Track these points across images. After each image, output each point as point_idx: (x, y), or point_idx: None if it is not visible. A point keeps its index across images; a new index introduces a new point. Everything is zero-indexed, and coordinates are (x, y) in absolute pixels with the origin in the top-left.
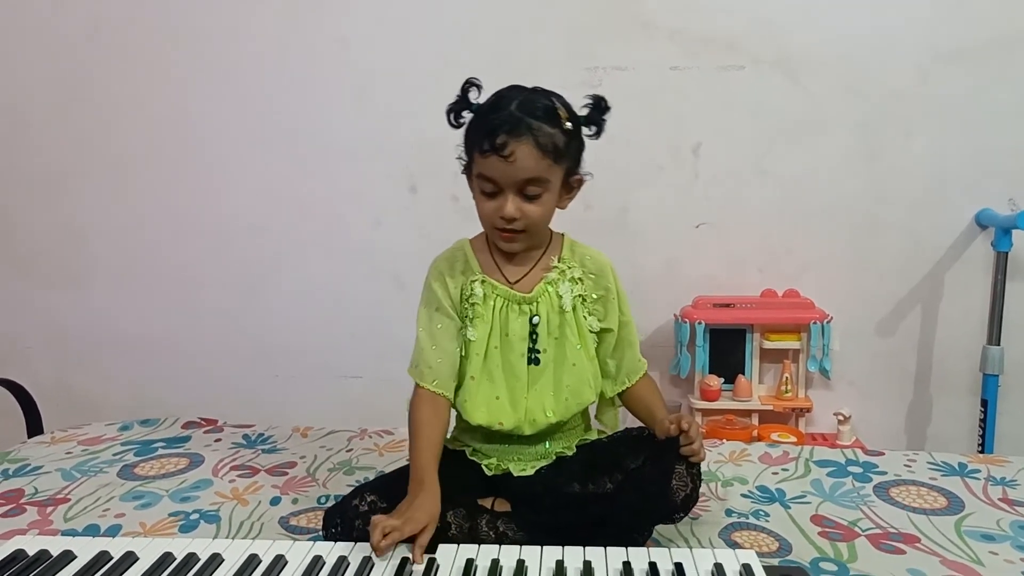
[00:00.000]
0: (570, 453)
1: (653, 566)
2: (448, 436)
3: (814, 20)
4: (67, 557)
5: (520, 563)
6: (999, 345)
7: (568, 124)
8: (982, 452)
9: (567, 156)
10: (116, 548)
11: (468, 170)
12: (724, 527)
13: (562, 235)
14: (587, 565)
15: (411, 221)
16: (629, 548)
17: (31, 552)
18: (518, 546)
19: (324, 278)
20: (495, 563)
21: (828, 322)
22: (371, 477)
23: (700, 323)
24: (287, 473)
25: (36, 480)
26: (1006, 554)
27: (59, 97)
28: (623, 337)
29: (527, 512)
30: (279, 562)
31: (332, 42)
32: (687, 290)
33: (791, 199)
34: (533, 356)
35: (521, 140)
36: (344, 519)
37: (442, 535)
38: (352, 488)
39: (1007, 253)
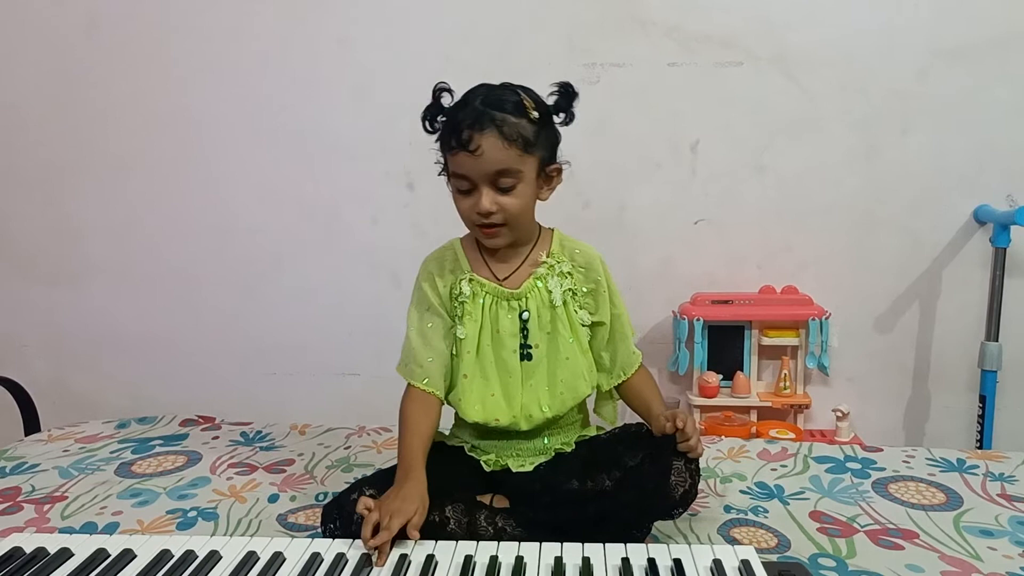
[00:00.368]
0: (569, 449)
1: (652, 562)
2: (447, 433)
3: (812, 17)
4: (64, 555)
5: (519, 559)
6: (997, 341)
7: (535, 113)
8: (980, 448)
9: (538, 146)
10: (113, 546)
11: (445, 171)
12: (723, 523)
13: (552, 230)
14: (586, 561)
15: (409, 219)
16: (628, 544)
17: (28, 550)
18: (516, 542)
19: (322, 276)
20: (493, 559)
21: (826, 318)
22: (369, 474)
23: (698, 320)
24: (285, 471)
25: (33, 478)
26: (1005, 549)
27: (57, 95)
28: (616, 330)
29: (526, 509)
30: (277, 559)
31: (331, 40)
32: (685, 287)
33: (789, 196)
34: (525, 352)
35: (485, 133)
36: (343, 514)
37: (440, 530)
38: (350, 484)
39: (1005, 249)
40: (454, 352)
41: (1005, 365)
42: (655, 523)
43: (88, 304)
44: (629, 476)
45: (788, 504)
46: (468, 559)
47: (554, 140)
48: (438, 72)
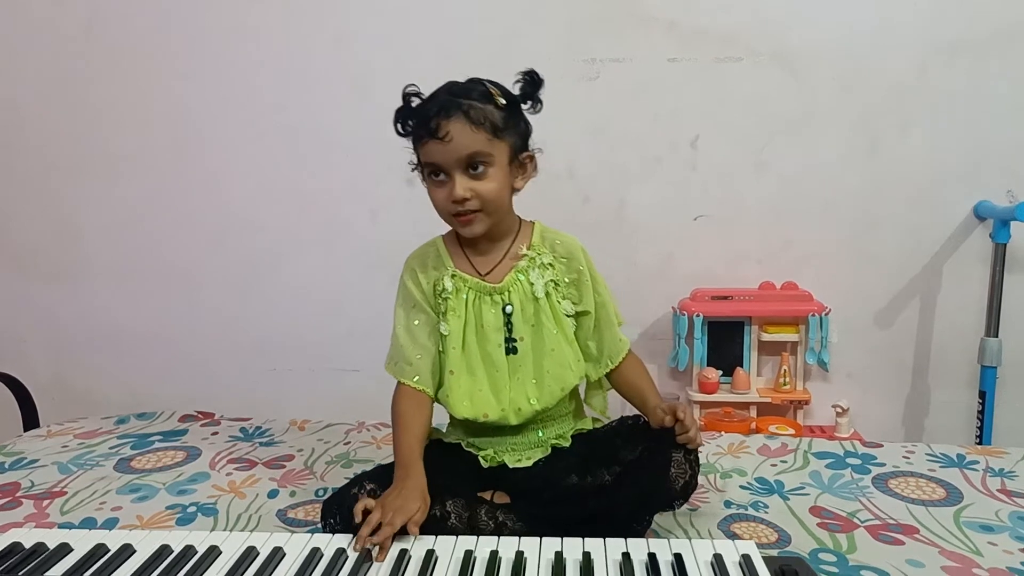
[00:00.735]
0: (566, 444)
1: (652, 557)
2: (444, 431)
3: (812, 13)
4: (64, 550)
5: (519, 554)
6: (997, 337)
7: (501, 100)
8: (980, 444)
9: (507, 131)
10: (113, 541)
11: (419, 167)
12: (723, 518)
13: (532, 223)
14: (586, 556)
15: (408, 214)
16: (628, 539)
17: (27, 545)
18: (517, 537)
19: (321, 272)
20: (494, 554)
21: (826, 314)
22: (368, 470)
23: (698, 316)
24: (284, 466)
25: (32, 473)
26: (1005, 544)
27: (56, 93)
28: (601, 318)
29: (526, 505)
30: (277, 554)
31: (329, 36)
32: (685, 283)
33: (789, 192)
34: (510, 345)
35: (452, 118)
36: (342, 510)
37: (441, 525)
38: (349, 479)
39: (1005, 245)
40: (440, 348)
41: (1005, 361)
42: (655, 517)
43: (87, 300)
44: (629, 470)
45: (788, 499)
46: (468, 554)
47: (525, 128)
48: (437, 68)
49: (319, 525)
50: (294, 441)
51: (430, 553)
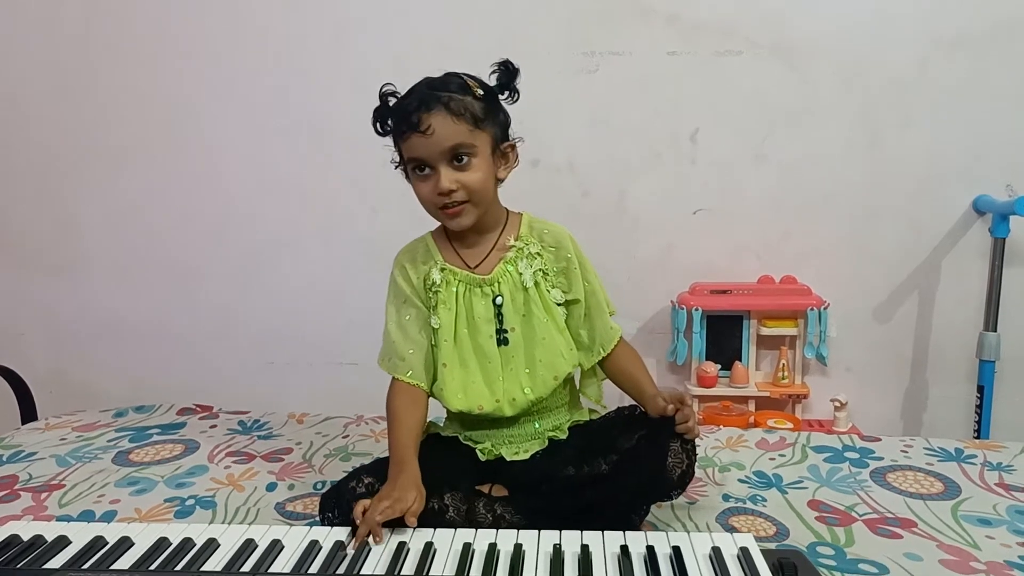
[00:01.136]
0: (563, 436)
1: (651, 550)
2: (441, 424)
3: (812, 6)
4: (62, 542)
5: (517, 547)
6: (996, 331)
7: (479, 91)
8: (978, 438)
9: (487, 122)
10: (111, 533)
11: (401, 164)
12: (721, 512)
13: (520, 214)
14: (584, 549)
15: (407, 208)
16: (627, 532)
17: (26, 537)
18: (515, 530)
19: (320, 265)
20: (492, 547)
21: (825, 308)
22: (367, 463)
23: (697, 309)
24: (283, 459)
25: (30, 466)
26: (1002, 538)
27: (55, 86)
28: (591, 306)
29: (524, 498)
30: (275, 546)
31: (329, 29)
32: (684, 276)
33: (789, 185)
34: (502, 336)
35: (433, 111)
36: (341, 502)
37: (439, 518)
38: (348, 472)
39: (1004, 239)
40: (432, 342)
41: (1003, 355)
42: (654, 510)
43: (86, 294)
44: (626, 458)
45: (786, 493)
46: (467, 546)
47: (504, 118)
48: (437, 61)
49: (317, 518)
50: (292, 434)
51: (428, 546)
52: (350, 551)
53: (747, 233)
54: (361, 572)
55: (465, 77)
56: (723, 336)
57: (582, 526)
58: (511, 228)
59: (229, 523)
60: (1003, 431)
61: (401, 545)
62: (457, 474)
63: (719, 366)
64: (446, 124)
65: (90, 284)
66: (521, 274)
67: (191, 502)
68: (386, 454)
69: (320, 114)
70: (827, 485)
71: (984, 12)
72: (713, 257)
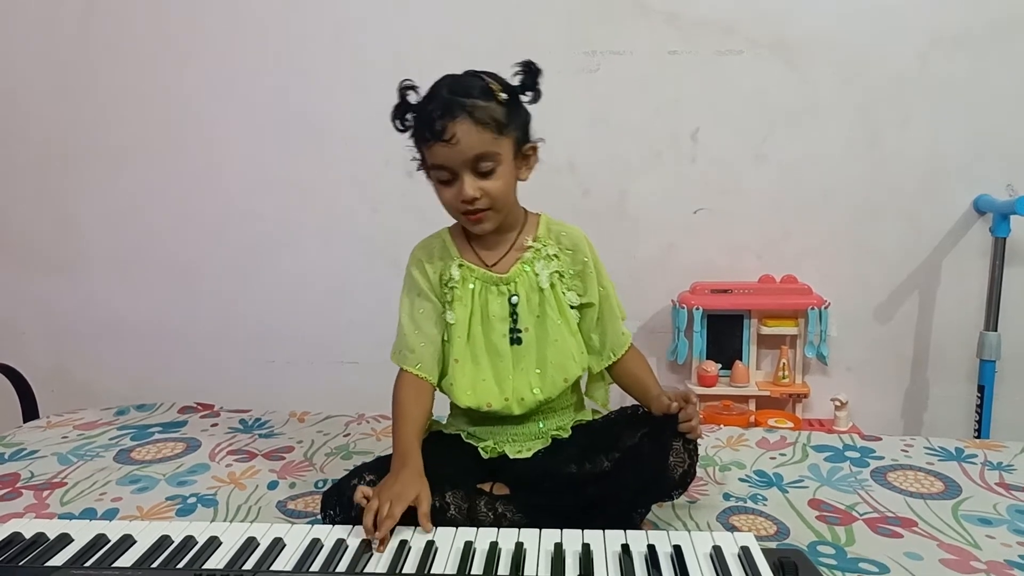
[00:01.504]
0: (565, 435)
1: (652, 549)
2: (444, 422)
3: (812, 5)
4: (64, 540)
5: (519, 546)
6: (996, 331)
7: (503, 95)
8: (979, 437)
9: (511, 127)
10: (113, 531)
11: (423, 166)
12: (722, 511)
13: (538, 215)
14: (585, 548)
15: (409, 206)
16: (628, 531)
17: (28, 535)
18: (516, 529)
19: (321, 263)
20: (493, 546)
21: (826, 308)
22: (368, 461)
23: (698, 309)
24: (284, 458)
25: (32, 464)
26: (1003, 538)
27: (54, 84)
28: (604, 310)
29: (525, 496)
30: (277, 544)
31: (329, 27)
32: (685, 276)
33: (789, 184)
34: (515, 336)
35: (458, 120)
36: (342, 501)
37: (440, 516)
38: (349, 471)
39: (1005, 239)
40: (445, 338)
41: (1004, 355)
42: (655, 509)
43: (87, 292)
44: (628, 456)
45: (787, 492)
46: (468, 545)
47: (525, 119)
48: (437, 60)
49: (319, 516)
50: (294, 433)
51: (430, 544)
52: (351, 543)
53: (748, 232)
54: (363, 571)
55: (487, 79)
56: (724, 335)
57: (583, 524)
58: (529, 229)
59: (230, 521)
60: (1003, 431)
61: (402, 543)
62: (459, 472)
63: (720, 365)
64: (470, 133)
65: (91, 282)
66: (538, 275)
67: (192, 500)
68: (387, 452)
69: (320, 113)
70: (828, 484)
71: (984, 11)
72: (713, 256)
